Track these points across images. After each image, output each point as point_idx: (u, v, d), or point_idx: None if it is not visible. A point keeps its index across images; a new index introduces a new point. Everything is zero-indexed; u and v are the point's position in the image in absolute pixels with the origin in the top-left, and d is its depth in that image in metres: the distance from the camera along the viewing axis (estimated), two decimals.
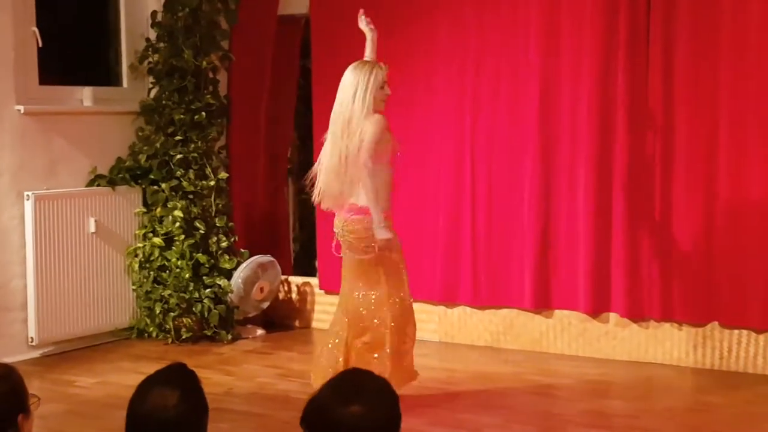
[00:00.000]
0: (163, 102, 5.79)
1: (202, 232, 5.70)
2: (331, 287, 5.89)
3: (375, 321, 4.24)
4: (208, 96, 5.85)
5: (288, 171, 6.64)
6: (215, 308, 5.62)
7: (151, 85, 5.88)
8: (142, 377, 2.12)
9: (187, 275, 5.59)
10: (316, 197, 4.33)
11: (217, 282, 5.67)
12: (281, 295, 6.14)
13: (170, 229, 5.65)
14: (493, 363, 5.18)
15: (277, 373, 5.01)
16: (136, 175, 5.77)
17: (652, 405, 4.46)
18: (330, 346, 4.32)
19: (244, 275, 5.74)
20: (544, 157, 5.24)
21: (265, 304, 5.94)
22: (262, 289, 5.83)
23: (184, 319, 5.63)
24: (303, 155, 6.63)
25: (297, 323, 6.13)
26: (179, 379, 2.11)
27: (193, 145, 5.79)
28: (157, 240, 5.63)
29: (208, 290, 5.65)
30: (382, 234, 4.10)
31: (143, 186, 5.78)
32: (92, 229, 5.51)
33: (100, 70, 5.95)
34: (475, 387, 4.75)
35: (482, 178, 5.43)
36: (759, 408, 4.40)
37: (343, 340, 4.30)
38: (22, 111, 5.23)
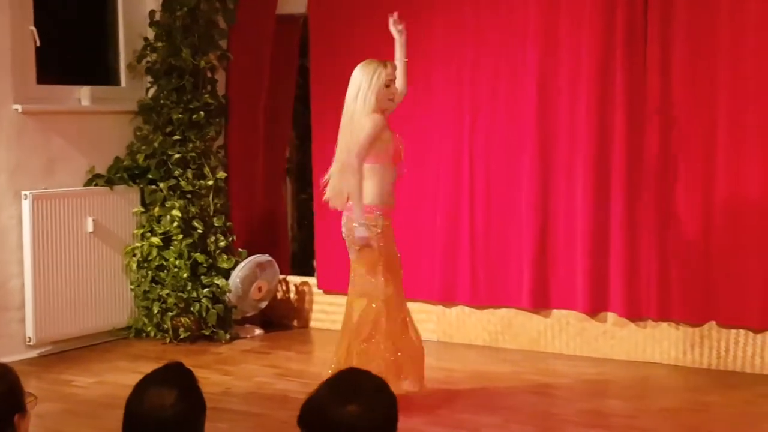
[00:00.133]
0: (161, 101, 5.79)
1: (200, 231, 5.70)
2: (329, 287, 5.90)
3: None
4: (207, 95, 5.85)
5: (286, 170, 6.63)
6: (213, 308, 5.62)
7: (149, 85, 5.88)
8: (140, 377, 2.12)
9: (185, 275, 5.59)
10: (326, 196, 4.36)
11: (215, 281, 5.67)
12: (279, 295, 6.14)
13: (168, 228, 5.64)
14: (492, 362, 5.18)
15: (275, 373, 5.01)
16: (134, 175, 5.76)
17: (649, 404, 4.46)
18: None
19: (242, 275, 5.74)
20: (542, 156, 5.24)
21: (263, 304, 5.94)
22: (260, 289, 5.82)
23: (182, 319, 5.63)
24: (301, 155, 6.63)
25: (295, 323, 6.13)
26: (176, 379, 2.11)
27: (191, 145, 5.78)
28: (155, 239, 5.63)
29: (206, 290, 5.64)
30: (359, 232, 4.15)
31: (141, 185, 5.77)
32: (90, 228, 5.51)
33: (98, 69, 5.94)
34: (473, 386, 4.75)
35: (480, 178, 5.43)
36: (757, 408, 4.40)
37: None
38: (19, 110, 5.22)
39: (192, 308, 5.60)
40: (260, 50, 6.07)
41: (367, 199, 4.22)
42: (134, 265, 5.68)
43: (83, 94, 5.65)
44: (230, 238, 5.85)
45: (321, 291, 5.99)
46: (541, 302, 5.32)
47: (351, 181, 4.14)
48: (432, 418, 4.22)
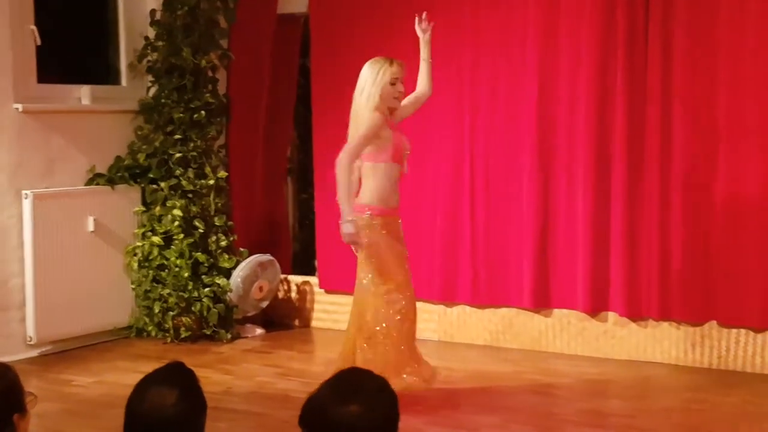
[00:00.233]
0: (162, 101, 5.79)
1: (202, 231, 5.70)
2: (330, 286, 5.90)
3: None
4: (208, 95, 5.85)
5: (288, 170, 6.63)
6: (214, 307, 5.61)
7: (150, 84, 5.88)
8: (140, 376, 2.12)
9: (186, 274, 5.59)
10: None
11: (217, 281, 5.67)
12: (280, 294, 6.14)
13: (169, 228, 5.64)
14: (492, 362, 5.18)
15: (276, 372, 5.01)
16: (135, 174, 5.76)
17: (650, 404, 4.46)
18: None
19: (244, 274, 5.74)
20: (542, 156, 5.24)
21: (265, 303, 5.94)
22: (261, 288, 5.82)
23: (183, 318, 5.63)
24: (302, 154, 6.63)
25: (296, 322, 6.13)
26: (177, 378, 2.11)
27: (192, 144, 5.78)
28: (156, 239, 5.63)
29: (207, 289, 5.64)
30: (345, 228, 4.14)
31: (142, 185, 5.77)
32: (91, 228, 5.51)
33: (98, 68, 5.94)
34: (474, 386, 4.75)
35: (481, 177, 5.43)
36: (757, 407, 4.39)
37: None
38: (20, 109, 5.22)
39: (193, 308, 5.60)
40: (261, 49, 6.07)
41: (364, 198, 4.23)
42: (135, 265, 5.68)
43: (84, 94, 5.64)
44: (231, 238, 5.85)
45: (322, 290, 5.99)
46: (542, 302, 5.32)
47: (338, 177, 4.14)
48: (432, 417, 4.22)
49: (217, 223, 5.79)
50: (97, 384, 4.78)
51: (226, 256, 5.75)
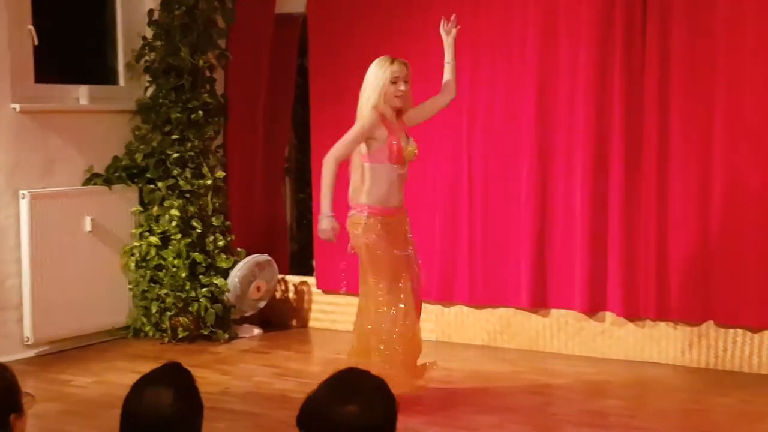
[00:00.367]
0: (160, 100, 5.78)
1: (199, 231, 5.70)
2: (328, 287, 5.89)
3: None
4: (205, 95, 5.84)
5: (285, 170, 6.63)
6: (212, 307, 5.61)
7: (147, 84, 5.87)
8: (138, 376, 2.12)
9: (183, 274, 5.59)
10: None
11: (214, 281, 5.66)
12: (278, 295, 6.14)
13: (167, 228, 5.64)
14: (490, 362, 5.19)
15: (273, 373, 5.01)
16: (133, 174, 5.76)
17: (647, 404, 4.46)
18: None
19: (241, 274, 5.73)
20: (540, 156, 5.24)
21: (262, 304, 5.93)
22: (258, 289, 5.82)
23: (181, 319, 5.62)
24: (300, 154, 6.62)
25: (294, 323, 6.12)
26: (174, 378, 2.11)
27: (189, 144, 5.78)
28: (154, 239, 5.63)
29: (204, 289, 5.64)
30: (321, 224, 4.16)
31: (140, 185, 5.77)
32: (88, 228, 5.50)
33: (96, 68, 5.93)
34: (471, 386, 4.75)
35: (479, 178, 5.43)
36: (754, 407, 4.40)
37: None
38: (17, 109, 5.22)
39: (190, 308, 5.59)
40: (259, 49, 6.06)
41: (364, 197, 4.22)
42: (132, 265, 5.67)
43: (81, 94, 5.64)
44: (229, 238, 5.84)
45: (320, 291, 5.99)
46: (539, 302, 5.32)
47: (323, 173, 4.14)
48: (431, 417, 4.22)
49: (214, 223, 5.79)
50: (95, 384, 4.78)
51: (224, 256, 5.75)
